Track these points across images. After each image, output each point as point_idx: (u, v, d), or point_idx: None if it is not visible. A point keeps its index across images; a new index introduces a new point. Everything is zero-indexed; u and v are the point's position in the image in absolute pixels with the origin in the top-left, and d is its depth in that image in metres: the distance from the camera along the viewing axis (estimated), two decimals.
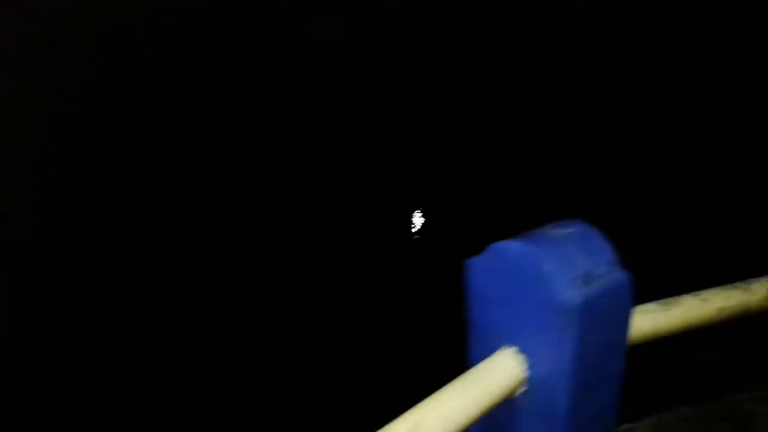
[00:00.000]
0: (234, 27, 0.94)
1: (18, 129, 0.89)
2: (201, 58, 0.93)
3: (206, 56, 0.93)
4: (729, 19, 1.19)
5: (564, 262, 1.09)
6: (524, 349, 1.09)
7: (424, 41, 1.01)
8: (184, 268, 0.94)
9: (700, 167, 1.25)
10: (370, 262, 1.04)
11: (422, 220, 1.06)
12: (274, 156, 0.94)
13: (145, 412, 0.92)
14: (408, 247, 1.06)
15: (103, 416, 0.93)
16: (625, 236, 1.34)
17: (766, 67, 1.23)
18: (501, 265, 1.10)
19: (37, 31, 0.91)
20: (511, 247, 1.11)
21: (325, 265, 0.98)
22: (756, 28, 1.20)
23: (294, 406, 1.06)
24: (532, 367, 1.07)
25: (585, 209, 1.37)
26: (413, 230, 1.06)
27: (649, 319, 1.20)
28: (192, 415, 0.97)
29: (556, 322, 1.08)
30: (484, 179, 1.06)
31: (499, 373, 1.07)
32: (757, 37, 1.21)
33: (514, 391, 1.11)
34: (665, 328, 1.27)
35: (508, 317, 1.11)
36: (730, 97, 1.24)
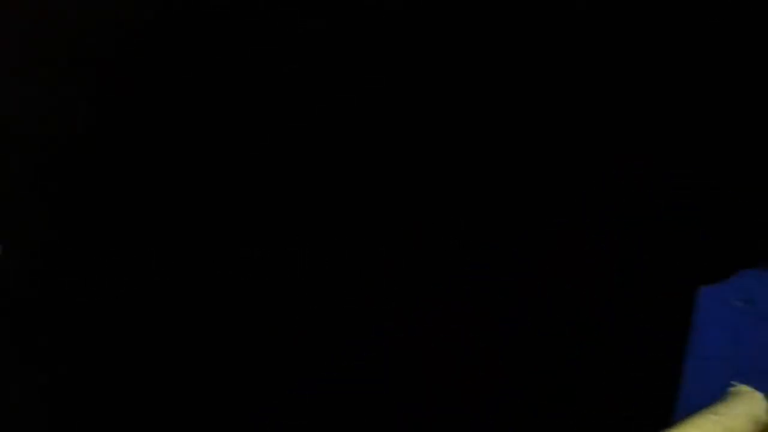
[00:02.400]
0: (235, 26, 0.88)
1: (18, 129, 0.81)
2: (202, 57, 0.87)
3: (207, 56, 0.87)
4: (729, 19, 1.21)
5: None
6: (762, 389, 1.02)
7: (423, 40, 0.98)
8: (188, 269, 0.88)
9: (700, 167, 1.26)
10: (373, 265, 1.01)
11: (420, 219, 1.02)
12: (277, 157, 0.89)
13: (145, 412, 0.87)
14: (409, 247, 1.03)
15: (103, 416, 0.87)
16: (625, 236, 1.35)
17: (766, 67, 1.26)
18: (752, 296, 1.05)
19: (37, 31, 0.82)
20: None
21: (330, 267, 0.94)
22: (756, 28, 1.23)
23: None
24: None
25: (585, 209, 1.36)
26: (412, 230, 1.02)
27: None
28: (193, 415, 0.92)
29: None
30: (482, 178, 1.04)
31: (744, 415, 0.99)
32: (757, 37, 1.23)
33: None
34: None
35: (744, 353, 1.05)
36: (730, 97, 1.26)
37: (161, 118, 0.97)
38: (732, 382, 1.03)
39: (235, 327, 1.05)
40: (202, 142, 0.99)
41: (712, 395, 1.03)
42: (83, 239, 0.98)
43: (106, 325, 1.02)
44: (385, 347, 1.16)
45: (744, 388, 1.03)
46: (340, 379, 1.11)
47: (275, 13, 0.97)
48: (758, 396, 1.01)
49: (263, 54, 0.99)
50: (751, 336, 1.05)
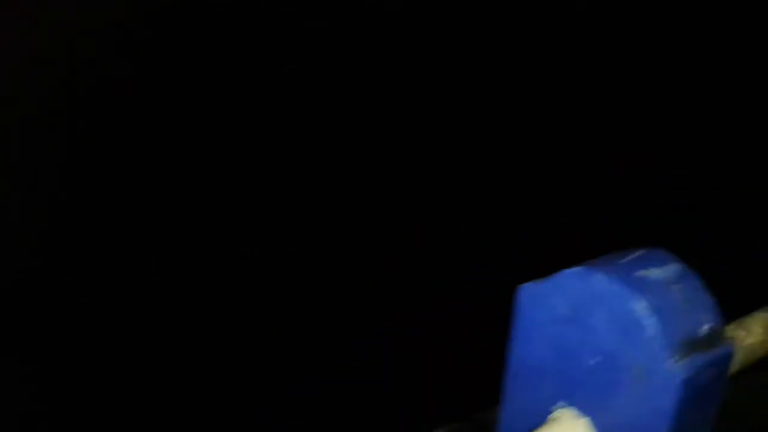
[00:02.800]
0: (235, 26, 0.87)
1: (18, 129, 0.83)
2: (201, 57, 0.86)
3: (207, 56, 0.86)
4: (729, 19, 1.13)
5: (669, 319, 0.83)
6: (588, 413, 0.88)
7: (423, 40, 0.94)
8: (188, 269, 0.89)
9: (700, 167, 1.19)
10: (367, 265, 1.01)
11: (419, 218, 1.00)
12: (277, 157, 0.88)
13: (144, 411, 0.90)
14: (409, 247, 1.01)
15: (103, 416, 0.90)
16: (625, 237, 1.31)
17: (766, 67, 1.18)
18: (576, 301, 0.87)
19: (38, 31, 0.84)
20: (603, 285, 0.85)
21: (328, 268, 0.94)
22: (756, 28, 1.15)
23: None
24: None
25: (585, 209, 1.31)
26: (410, 228, 1.00)
27: None
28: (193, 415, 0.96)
29: (645, 393, 0.84)
30: (481, 178, 1.00)
31: None
32: (757, 37, 1.15)
33: None
34: None
35: (569, 369, 0.89)
36: (730, 97, 1.19)
37: (161, 118, 0.98)
38: (554, 405, 0.89)
39: (234, 327, 1.03)
40: (202, 142, 0.99)
41: (534, 417, 0.90)
42: (83, 239, 0.97)
43: (106, 324, 0.99)
44: (386, 347, 1.09)
45: (567, 413, 0.88)
46: (340, 379, 1.07)
47: (275, 13, 0.97)
48: (583, 423, 0.86)
49: (263, 54, 0.99)
50: (575, 349, 0.88)
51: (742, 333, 1.03)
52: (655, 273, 0.87)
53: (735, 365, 0.95)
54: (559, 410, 0.88)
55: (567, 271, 0.87)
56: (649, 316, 0.83)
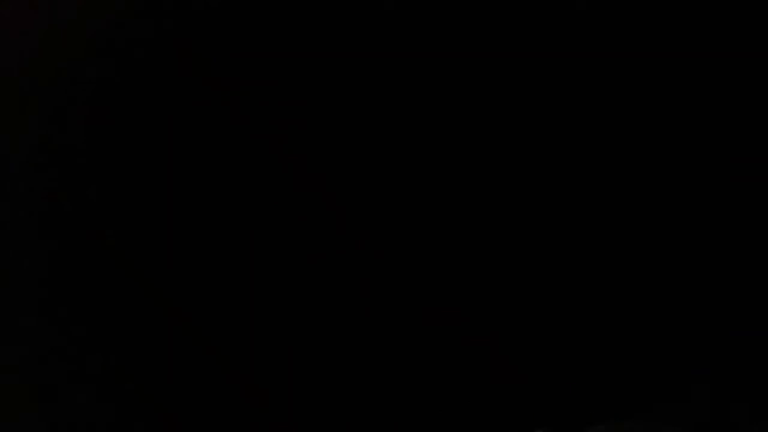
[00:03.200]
0: (235, 28, 0.89)
1: (18, 129, 0.85)
2: (202, 58, 0.87)
3: (207, 57, 0.87)
4: (729, 19, 1.12)
5: None
6: None
7: (422, 40, 0.95)
8: (188, 270, 0.90)
9: (700, 167, 1.16)
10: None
11: (417, 216, 0.99)
12: (277, 157, 0.89)
13: (144, 411, 0.89)
14: (408, 247, 1.00)
15: (102, 415, 0.90)
16: (625, 236, 1.22)
17: (766, 67, 1.16)
18: None
19: (38, 32, 0.86)
20: None
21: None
22: (756, 28, 1.14)
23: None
24: None
25: (585, 209, 1.29)
26: (411, 230, 1.00)
27: None
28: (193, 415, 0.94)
29: None
30: (482, 178, 1.00)
31: None
32: (757, 37, 1.14)
33: None
34: None
35: None
36: (730, 97, 1.17)
37: (161, 118, 0.98)
38: None
39: (235, 328, 1.03)
40: (202, 142, 1.00)
41: None
42: (82, 238, 0.97)
43: (105, 324, 1.00)
44: (384, 347, 1.09)
45: None
46: (340, 379, 1.06)
47: (275, 13, 0.98)
48: None
49: (263, 54, 0.99)
50: None
51: None
52: None
53: None
54: None
55: None
56: None
